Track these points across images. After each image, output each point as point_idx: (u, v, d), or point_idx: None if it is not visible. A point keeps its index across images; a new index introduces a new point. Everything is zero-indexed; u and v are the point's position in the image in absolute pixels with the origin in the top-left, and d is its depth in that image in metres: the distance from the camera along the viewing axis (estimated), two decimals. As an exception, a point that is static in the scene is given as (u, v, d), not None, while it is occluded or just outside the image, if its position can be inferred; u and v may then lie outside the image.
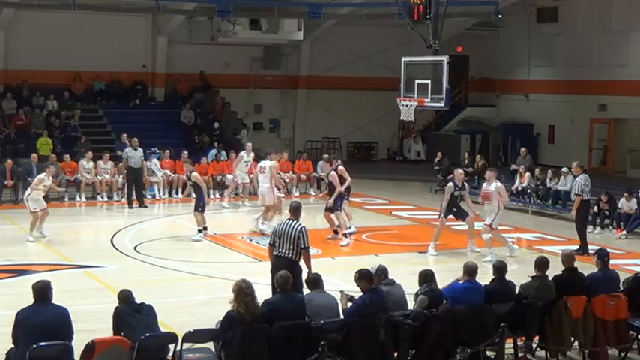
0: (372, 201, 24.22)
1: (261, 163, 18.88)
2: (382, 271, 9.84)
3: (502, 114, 34.35)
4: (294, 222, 11.09)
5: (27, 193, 18.26)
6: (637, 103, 27.70)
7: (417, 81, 17.11)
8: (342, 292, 9.74)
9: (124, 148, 23.21)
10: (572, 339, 10.31)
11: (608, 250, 11.37)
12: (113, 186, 23.24)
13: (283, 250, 10.93)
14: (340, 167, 18.43)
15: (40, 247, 17.17)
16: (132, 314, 8.68)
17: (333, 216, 18.02)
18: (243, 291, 8.66)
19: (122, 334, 8.55)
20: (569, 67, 31.04)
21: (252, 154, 23.02)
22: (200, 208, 17.82)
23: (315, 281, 9.60)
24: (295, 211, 11.32)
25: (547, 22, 32.26)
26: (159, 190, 23.83)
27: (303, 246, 10.91)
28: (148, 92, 31.12)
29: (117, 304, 8.86)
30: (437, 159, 27.43)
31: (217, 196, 24.20)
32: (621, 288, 10.77)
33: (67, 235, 18.58)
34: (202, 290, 13.69)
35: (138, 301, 8.89)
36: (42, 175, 18.36)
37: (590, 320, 10.19)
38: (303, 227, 11.09)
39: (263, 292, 9.66)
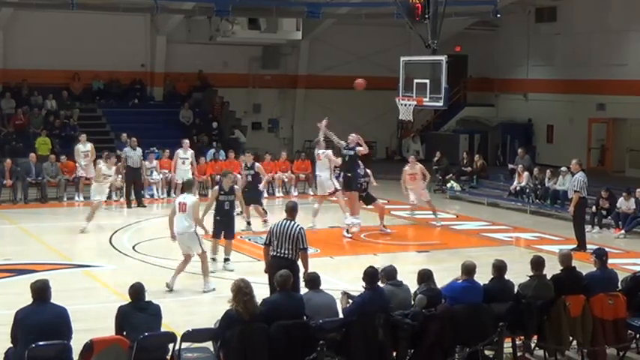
0: (371, 200, 24.18)
1: (317, 151, 19.30)
2: (386, 273, 9.81)
3: (501, 113, 34.33)
4: (292, 222, 11.07)
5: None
6: (636, 103, 27.69)
7: (415, 80, 17.10)
8: (342, 292, 9.78)
9: (124, 147, 23.24)
10: (571, 338, 10.32)
11: (607, 249, 11.38)
12: (112, 185, 23.19)
13: (282, 251, 10.90)
14: (257, 164, 19.59)
15: (39, 246, 17.16)
16: (135, 313, 8.69)
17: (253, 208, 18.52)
18: (242, 290, 8.67)
19: (124, 333, 8.56)
20: (567, 67, 31.03)
21: (191, 152, 23.38)
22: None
23: (314, 281, 9.60)
24: (291, 211, 11.30)
25: (546, 21, 32.24)
26: (157, 189, 23.84)
27: (302, 247, 10.92)
28: (147, 92, 31.11)
29: (119, 304, 8.90)
30: (436, 158, 27.44)
31: (216, 195, 24.15)
32: (620, 287, 10.79)
33: (65, 234, 18.56)
34: (201, 290, 13.67)
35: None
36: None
37: (589, 320, 10.20)
38: (302, 228, 11.09)
39: (262, 291, 9.67)
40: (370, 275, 9.39)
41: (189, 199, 13.63)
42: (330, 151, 19.18)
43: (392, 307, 9.37)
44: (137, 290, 8.89)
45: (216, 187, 15.45)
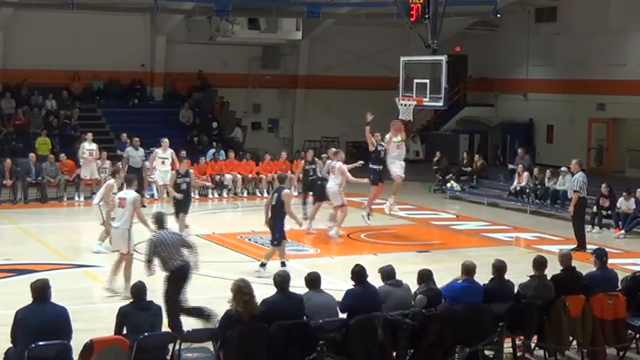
0: (371, 200, 24.16)
1: (331, 163, 18.25)
2: (384, 273, 9.84)
3: (501, 113, 34.35)
4: (167, 230, 11.28)
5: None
6: (635, 103, 27.71)
7: (415, 80, 17.10)
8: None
9: (124, 147, 23.24)
10: (571, 338, 10.32)
11: (607, 249, 11.38)
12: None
13: (183, 257, 10.93)
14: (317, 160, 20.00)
15: (39, 246, 17.15)
16: (137, 313, 8.70)
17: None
18: (242, 290, 8.68)
19: (123, 333, 8.56)
20: (567, 67, 31.04)
21: (170, 151, 21.70)
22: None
23: (314, 281, 9.60)
24: (162, 221, 11.43)
25: (545, 21, 32.26)
26: (157, 189, 23.79)
27: (190, 246, 11.21)
28: (147, 92, 31.13)
29: (120, 304, 8.92)
30: (435, 158, 27.44)
31: (216, 195, 24.18)
32: (620, 287, 10.79)
33: (65, 234, 18.55)
34: (201, 290, 13.65)
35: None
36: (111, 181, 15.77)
37: (589, 320, 10.20)
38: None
39: (262, 291, 9.65)
40: (357, 274, 9.46)
41: (130, 194, 13.55)
42: (343, 166, 18.33)
43: (388, 307, 9.39)
44: (139, 289, 8.89)
45: (288, 191, 14.94)
